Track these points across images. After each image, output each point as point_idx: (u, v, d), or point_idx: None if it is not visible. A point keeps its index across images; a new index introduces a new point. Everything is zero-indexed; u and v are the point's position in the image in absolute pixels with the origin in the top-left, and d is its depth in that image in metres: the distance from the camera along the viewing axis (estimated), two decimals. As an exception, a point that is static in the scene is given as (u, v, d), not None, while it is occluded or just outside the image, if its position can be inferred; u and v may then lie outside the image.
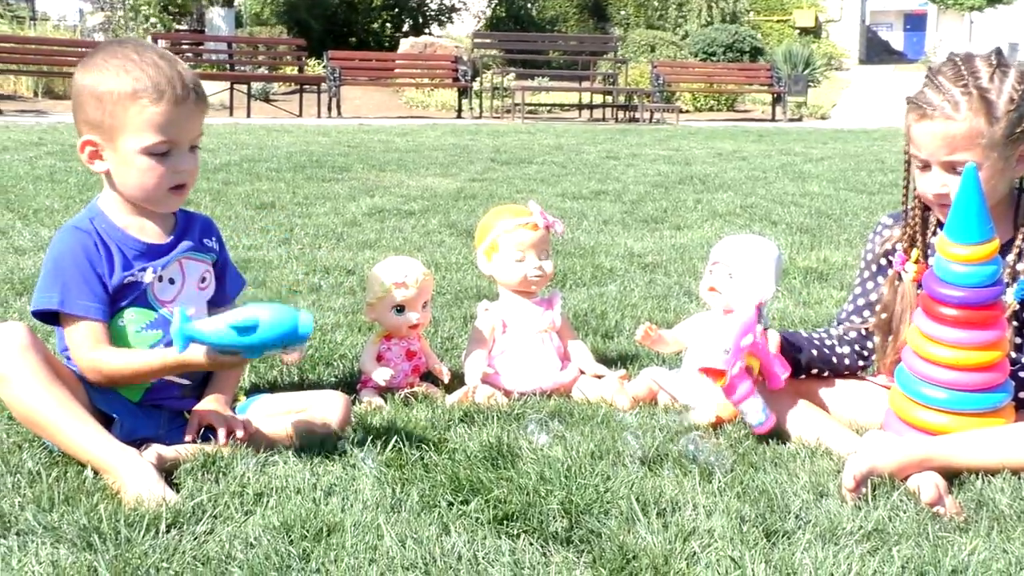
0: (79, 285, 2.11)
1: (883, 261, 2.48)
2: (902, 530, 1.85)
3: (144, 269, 2.17)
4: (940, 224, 2.34)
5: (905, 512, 1.92)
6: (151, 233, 2.22)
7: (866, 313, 2.50)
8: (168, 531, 1.78)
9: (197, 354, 2.04)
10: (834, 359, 2.48)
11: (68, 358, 2.20)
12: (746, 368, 2.29)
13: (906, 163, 2.32)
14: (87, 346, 2.11)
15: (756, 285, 2.66)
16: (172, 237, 2.24)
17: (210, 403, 2.24)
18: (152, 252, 2.20)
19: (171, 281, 2.21)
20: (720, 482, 2.04)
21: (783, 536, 1.82)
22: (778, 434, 2.35)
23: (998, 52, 2.24)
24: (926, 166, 2.25)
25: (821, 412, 2.39)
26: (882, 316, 2.44)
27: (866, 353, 2.51)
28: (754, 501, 1.96)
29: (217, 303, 2.32)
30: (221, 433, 2.17)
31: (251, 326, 1.97)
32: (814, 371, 2.47)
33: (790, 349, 2.41)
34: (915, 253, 2.39)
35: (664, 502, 1.94)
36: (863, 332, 2.50)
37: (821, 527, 1.85)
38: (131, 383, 2.17)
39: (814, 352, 2.45)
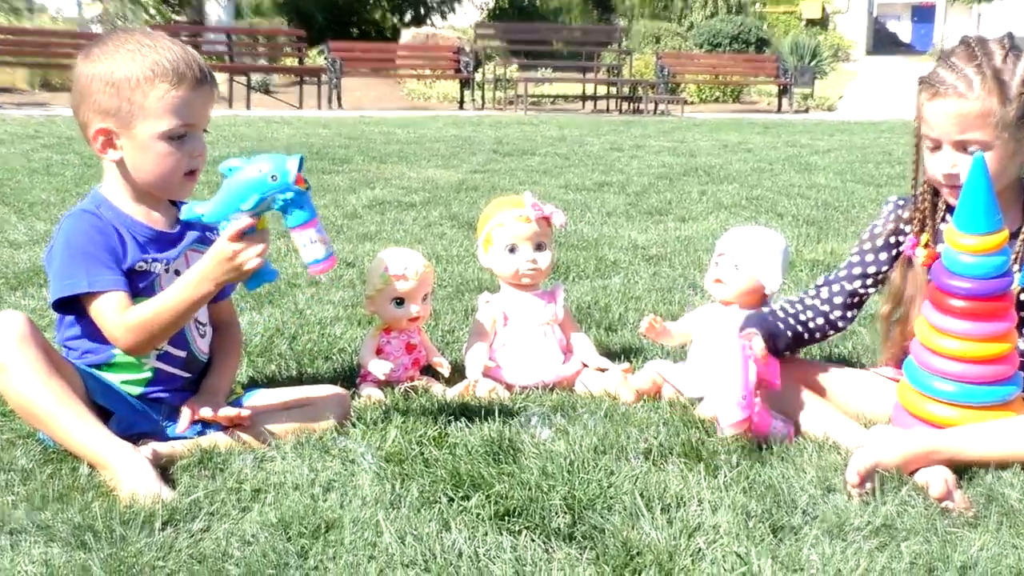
0: (101, 261, 2.07)
1: (892, 239, 2.44)
2: (911, 525, 1.83)
3: (157, 260, 2.16)
4: (949, 209, 2.31)
5: (914, 507, 1.90)
6: (157, 222, 2.20)
7: (857, 283, 2.45)
8: (164, 528, 1.76)
9: (219, 247, 1.99)
10: (806, 335, 2.45)
11: (68, 349, 2.19)
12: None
13: (916, 146, 2.30)
14: (117, 313, 2.06)
15: (762, 277, 2.63)
16: (179, 227, 2.21)
17: (205, 395, 2.23)
18: (162, 239, 2.18)
19: (177, 273, 2.18)
20: (726, 477, 2.02)
21: (790, 531, 1.79)
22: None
23: (1010, 36, 2.24)
24: (937, 146, 2.23)
25: (829, 405, 2.36)
26: (890, 304, 2.42)
27: (840, 324, 2.47)
28: (760, 496, 1.93)
29: (218, 298, 2.28)
30: (206, 411, 2.16)
31: (236, 167, 1.98)
32: (787, 353, 2.43)
33: (770, 339, 2.35)
34: (924, 238, 2.36)
35: (668, 497, 1.91)
36: (848, 301, 2.45)
37: (828, 522, 1.83)
38: (171, 327, 2.10)
39: (789, 334, 2.42)
